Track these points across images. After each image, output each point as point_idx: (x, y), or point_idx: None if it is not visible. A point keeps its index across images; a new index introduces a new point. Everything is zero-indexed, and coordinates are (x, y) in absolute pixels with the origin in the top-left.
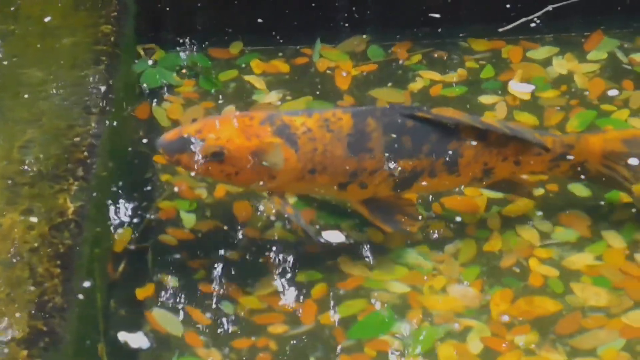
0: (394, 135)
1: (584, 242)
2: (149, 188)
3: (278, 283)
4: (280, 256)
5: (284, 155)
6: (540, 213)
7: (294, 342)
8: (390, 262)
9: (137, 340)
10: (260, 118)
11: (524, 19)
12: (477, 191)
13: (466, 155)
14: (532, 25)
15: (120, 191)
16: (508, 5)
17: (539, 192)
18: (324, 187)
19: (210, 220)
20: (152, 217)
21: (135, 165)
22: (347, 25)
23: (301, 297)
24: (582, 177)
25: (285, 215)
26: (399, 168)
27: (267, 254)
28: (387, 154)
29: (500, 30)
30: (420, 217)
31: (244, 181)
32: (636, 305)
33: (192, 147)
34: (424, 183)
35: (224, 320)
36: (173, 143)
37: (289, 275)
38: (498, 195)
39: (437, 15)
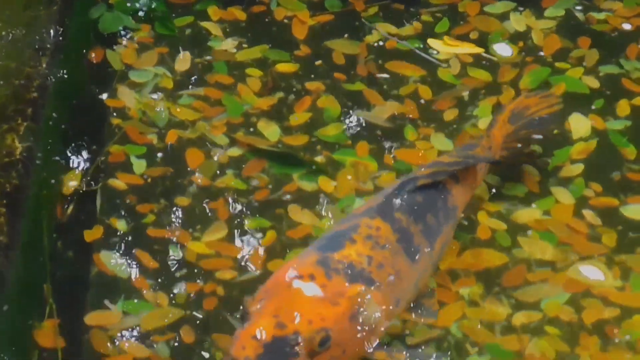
0: (424, 218)
1: (532, 197)
2: (99, 131)
3: (227, 230)
4: (230, 203)
5: (375, 300)
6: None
7: (242, 288)
8: (340, 211)
9: None
10: (320, 270)
11: None
12: (427, 144)
13: (459, 204)
14: None
15: (70, 134)
16: None
17: None
18: (400, 314)
19: (161, 165)
20: (102, 160)
21: (87, 108)
22: None
23: (250, 244)
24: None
25: None
26: (436, 251)
27: (216, 200)
28: (428, 243)
29: None
30: (432, 290)
31: (352, 354)
32: (581, 260)
33: (289, 350)
34: (444, 254)
35: (172, 264)
36: (266, 357)
37: (238, 222)
38: (449, 148)
39: None
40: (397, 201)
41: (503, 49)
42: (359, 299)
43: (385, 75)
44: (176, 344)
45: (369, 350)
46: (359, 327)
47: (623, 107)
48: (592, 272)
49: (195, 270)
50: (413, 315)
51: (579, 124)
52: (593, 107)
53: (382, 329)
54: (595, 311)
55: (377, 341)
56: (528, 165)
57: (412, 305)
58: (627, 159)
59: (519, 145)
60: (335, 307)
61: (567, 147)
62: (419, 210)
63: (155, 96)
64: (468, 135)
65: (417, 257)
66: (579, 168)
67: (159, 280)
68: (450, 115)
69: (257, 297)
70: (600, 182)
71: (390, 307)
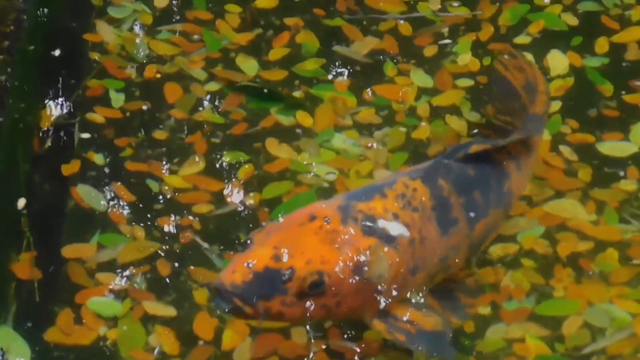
0: (470, 194)
1: None
2: (77, 66)
3: (204, 163)
4: (208, 137)
5: (387, 259)
6: (469, 104)
7: (218, 221)
8: (318, 145)
9: None
10: (337, 215)
11: None
12: (407, 79)
13: (516, 191)
14: None
15: (48, 67)
16: None
17: (468, 83)
18: (419, 286)
19: (139, 100)
20: (80, 94)
21: (65, 42)
22: None
23: (227, 178)
24: None
25: (396, 342)
26: (476, 233)
27: (194, 134)
28: (467, 220)
29: None
30: (481, 289)
31: (347, 310)
32: (557, 195)
33: (278, 284)
34: (488, 241)
35: (149, 198)
36: (251, 286)
37: (215, 156)
38: (428, 84)
39: None
40: (445, 168)
41: None
42: (369, 253)
43: None
44: (152, 276)
45: (370, 314)
46: (361, 283)
47: (601, 44)
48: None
49: (173, 204)
50: (438, 303)
51: (557, 61)
52: (571, 44)
53: (391, 294)
54: (570, 244)
55: (382, 307)
56: None
57: (445, 292)
58: (604, 96)
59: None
60: (340, 254)
61: None
62: (466, 184)
63: (134, 31)
64: (447, 72)
65: (449, 230)
66: (556, 105)
67: (136, 213)
68: (429, 51)
69: (265, 229)
70: (576, 119)
71: (405, 272)
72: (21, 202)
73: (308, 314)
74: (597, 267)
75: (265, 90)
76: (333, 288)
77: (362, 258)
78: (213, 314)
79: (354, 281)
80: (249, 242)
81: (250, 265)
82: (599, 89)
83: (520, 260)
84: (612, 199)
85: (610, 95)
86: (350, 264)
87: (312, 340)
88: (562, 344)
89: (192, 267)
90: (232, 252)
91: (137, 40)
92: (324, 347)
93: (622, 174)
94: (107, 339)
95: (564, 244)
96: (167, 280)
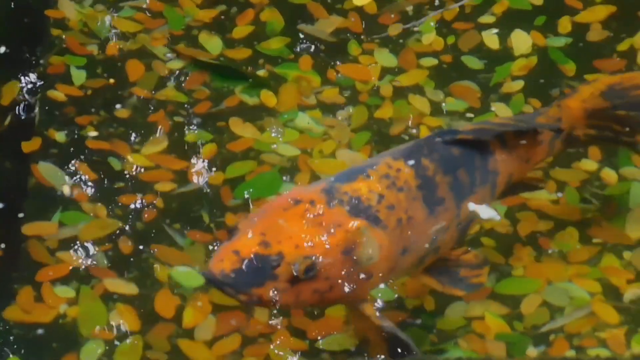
0: (454, 173)
1: (473, 112)
2: (39, 42)
3: (167, 142)
4: (170, 116)
5: (376, 240)
6: (432, 83)
7: (181, 200)
8: (282, 125)
9: None
10: (322, 198)
11: None
12: (371, 59)
13: (501, 170)
14: None
15: (8, 44)
16: None
17: (432, 62)
18: (408, 268)
19: (101, 77)
20: (42, 71)
21: (26, 17)
22: None
23: (190, 156)
24: (578, 147)
25: (382, 326)
26: (464, 212)
27: (157, 113)
28: (453, 199)
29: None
30: (485, 261)
31: (340, 294)
32: None
33: (268, 270)
34: (477, 221)
35: (111, 176)
36: (240, 274)
37: (178, 135)
38: (392, 63)
39: None
40: (428, 148)
41: None
42: (358, 234)
43: None
44: (114, 254)
45: (362, 298)
46: (352, 265)
47: (564, 24)
48: None
49: (135, 182)
50: (435, 280)
51: (521, 41)
52: (535, 23)
53: (380, 277)
54: (530, 223)
55: (372, 289)
56: (469, 82)
57: (441, 270)
58: (567, 76)
59: (622, 127)
60: (329, 237)
61: (508, 63)
62: (450, 163)
63: (96, 7)
64: (412, 51)
65: (437, 209)
66: (519, 84)
67: (98, 191)
68: (394, 30)
69: (250, 215)
70: (539, 98)
71: (395, 253)
72: (66, 189)
73: (303, 299)
74: (557, 247)
75: (231, 69)
76: (324, 271)
77: (351, 239)
78: (174, 292)
79: (344, 263)
80: (233, 229)
81: (238, 253)
82: (561, 69)
83: (480, 239)
84: (573, 178)
85: (573, 74)
86: (339, 246)
87: (274, 318)
88: (521, 322)
89: (154, 245)
90: (194, 231)
91: (99, 17)
92: (285, 324)
93: (583, 153)
94: (67, 316)
95: (524, 223)
96: (129, 258)
